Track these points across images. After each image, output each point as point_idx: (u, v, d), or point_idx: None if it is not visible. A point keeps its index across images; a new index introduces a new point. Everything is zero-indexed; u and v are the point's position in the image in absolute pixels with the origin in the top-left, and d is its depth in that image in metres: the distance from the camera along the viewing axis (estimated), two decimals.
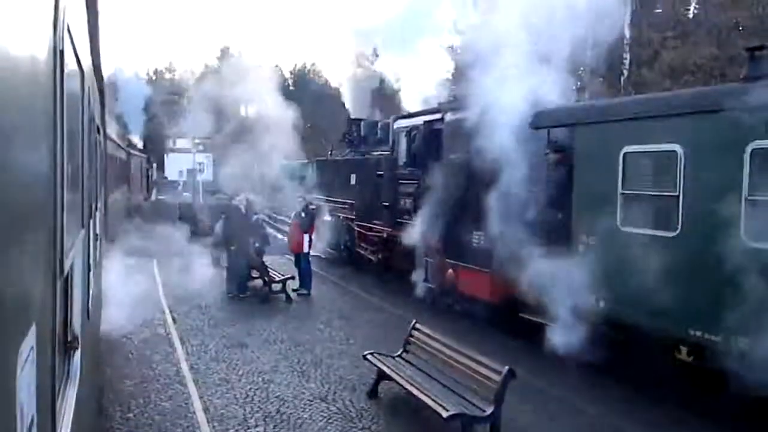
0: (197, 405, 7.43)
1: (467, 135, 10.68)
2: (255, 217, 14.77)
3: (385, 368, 7.65)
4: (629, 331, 7.91)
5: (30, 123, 1.47)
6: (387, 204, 14.17)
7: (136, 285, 12.15)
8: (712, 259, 6.81)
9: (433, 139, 12.31)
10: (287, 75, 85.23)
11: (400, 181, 13.59)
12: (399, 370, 7.55)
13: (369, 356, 8.06)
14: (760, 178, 6.56)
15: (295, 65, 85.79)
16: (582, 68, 38.27)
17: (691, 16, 38.26)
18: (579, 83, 39.39)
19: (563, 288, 8.81)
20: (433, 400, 6.51)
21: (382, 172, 14.69)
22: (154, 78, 78.45)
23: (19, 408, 1.25)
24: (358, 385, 8.19)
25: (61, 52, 2.01)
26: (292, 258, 15.27)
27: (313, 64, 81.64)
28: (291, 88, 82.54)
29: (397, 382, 7.31)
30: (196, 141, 59.51)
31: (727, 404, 6.78)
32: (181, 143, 62.65)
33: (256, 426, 6.88)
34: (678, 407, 7.48)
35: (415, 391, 6.86)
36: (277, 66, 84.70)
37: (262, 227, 15.26)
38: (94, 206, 5.55)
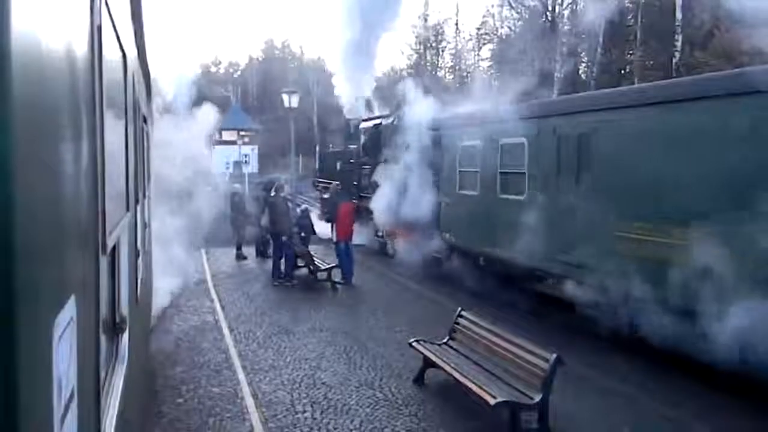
0: (246, 390, 7.52)
1: (393, 135, 15.98)
2: (300, 206, 14.86)
3: (431, 355, 7.59)
4: (462, 251, 13.76)
5: (64, 99, 1.42)
6: (356, 184, 18.97)
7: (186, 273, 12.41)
8: (489, 205, 12.47)
9: (377, 137, 17.71)
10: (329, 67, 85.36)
11: (362, 167, 18.75)
12: (445, 357, 7.48)
13: (415, 343, 8.01)
14: (505, 159, 12.01)
15: None
16: (631, 51, 37.28)
17: None
18: (629, 67, 38.44)
19: (435, 229, 14.61)
20: (480, 387, 6.42)
21: (353, 161, 19.82)
22: (200, 71, 79.74)
23: (57, 379, 1.22)
24: (404, 372, 8.16)
25: (99, 27, 1.96)
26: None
27: None
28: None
29: (444, 370, 7.24)
30: (242, 133, 60.26)
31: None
32: (226, 135, 63.55)
33: (304, 411, 6.91)
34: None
35: (461, 379, 6.78)
36: (319, 58, 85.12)
37: (307, 217, 15.38)
38: (141, 194, 5.60)
